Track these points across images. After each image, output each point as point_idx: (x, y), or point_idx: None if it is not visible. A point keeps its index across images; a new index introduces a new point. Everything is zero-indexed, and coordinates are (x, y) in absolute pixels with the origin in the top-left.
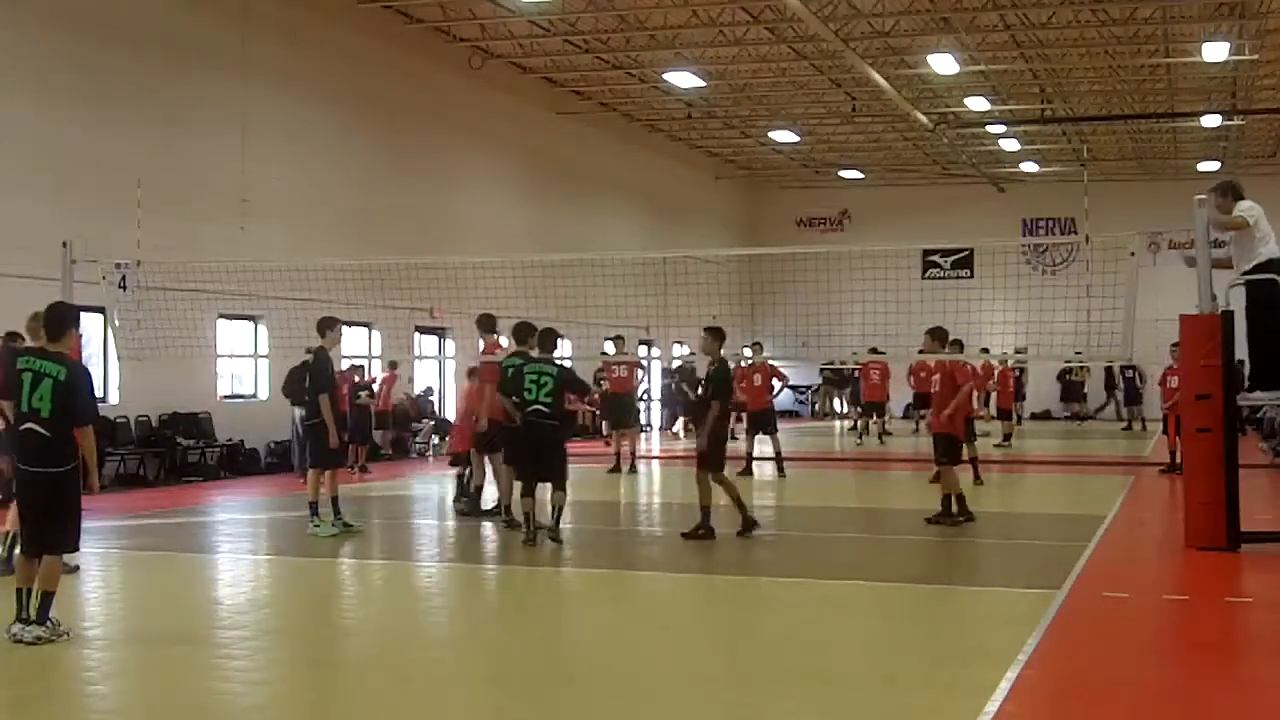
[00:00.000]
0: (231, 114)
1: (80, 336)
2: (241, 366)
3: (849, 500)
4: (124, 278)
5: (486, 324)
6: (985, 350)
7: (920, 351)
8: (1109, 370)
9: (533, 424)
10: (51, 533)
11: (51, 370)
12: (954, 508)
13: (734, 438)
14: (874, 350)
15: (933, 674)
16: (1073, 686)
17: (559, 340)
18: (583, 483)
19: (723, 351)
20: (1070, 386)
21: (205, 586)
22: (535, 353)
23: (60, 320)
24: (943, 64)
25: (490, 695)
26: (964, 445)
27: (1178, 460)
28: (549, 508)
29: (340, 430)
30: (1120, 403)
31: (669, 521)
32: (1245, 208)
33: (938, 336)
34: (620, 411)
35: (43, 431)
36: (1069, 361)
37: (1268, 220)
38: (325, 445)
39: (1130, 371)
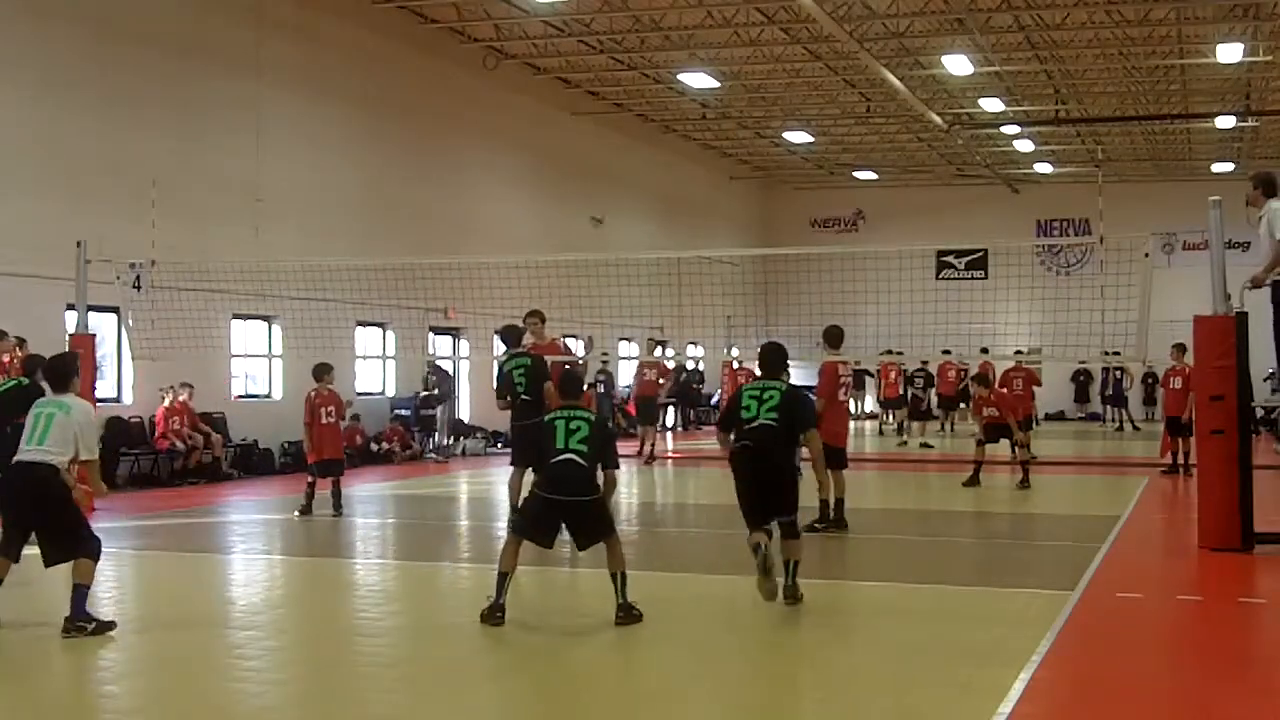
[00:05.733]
0: (246, 114)
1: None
2: (256, 366)
3: (859, 501)
4: (138, 278)
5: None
6: (984, 350)
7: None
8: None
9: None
10: None
11: None
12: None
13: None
14: (889, 351)
15: (947, 675)
16: (1087, 687)
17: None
18: None
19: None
20: (1083, 388)
21: (218, 586)
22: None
23: None
24: (957, 65)
25: (505, 694)
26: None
27: (1178, 462)
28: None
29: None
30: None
31: (680, 521)
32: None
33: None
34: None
35: None
36: (1083, 363)
37: None
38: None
39: (1119, 372)
